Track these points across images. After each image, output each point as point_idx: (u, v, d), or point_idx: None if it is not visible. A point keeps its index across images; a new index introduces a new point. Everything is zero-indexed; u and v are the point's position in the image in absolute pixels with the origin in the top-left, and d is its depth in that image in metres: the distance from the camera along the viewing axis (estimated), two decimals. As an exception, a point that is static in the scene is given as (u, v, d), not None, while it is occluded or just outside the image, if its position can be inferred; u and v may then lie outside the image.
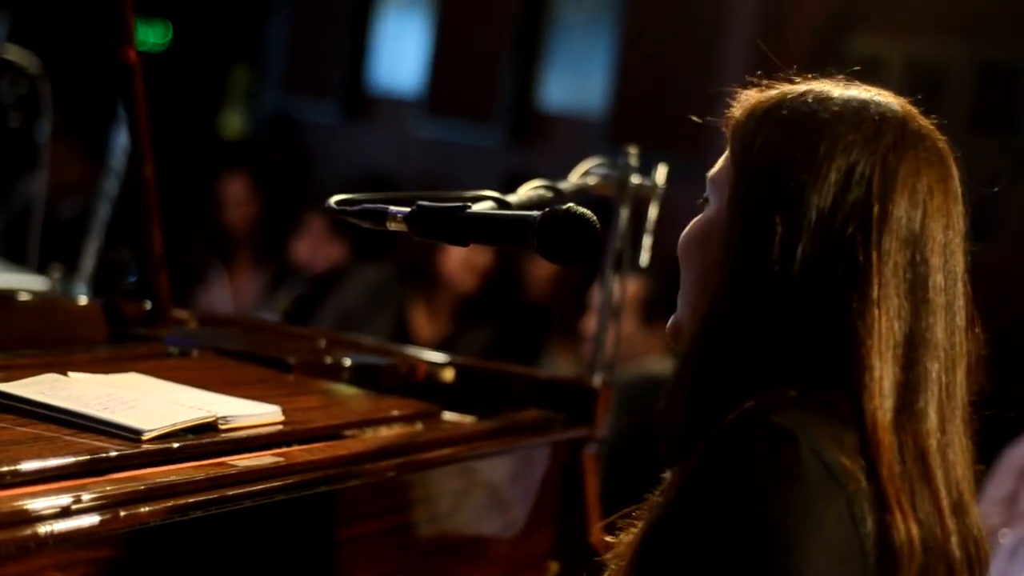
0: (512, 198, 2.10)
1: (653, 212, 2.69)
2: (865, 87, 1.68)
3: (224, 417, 1.92)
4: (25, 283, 3.53)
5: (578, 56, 7.70)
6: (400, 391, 2.48)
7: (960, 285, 1.64)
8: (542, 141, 7.76)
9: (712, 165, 1.72)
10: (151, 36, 9.04)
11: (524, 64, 7.87)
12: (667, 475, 1.64)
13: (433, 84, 8.29)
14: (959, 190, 1.65)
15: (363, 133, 8.69)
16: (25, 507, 1.52)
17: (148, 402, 1.90)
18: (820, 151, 1.59)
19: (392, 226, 1.96)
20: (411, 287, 6.14)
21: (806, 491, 1.46)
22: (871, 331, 1.55)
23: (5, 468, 1.59)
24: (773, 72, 1.72)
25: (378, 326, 5.89)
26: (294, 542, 1.90)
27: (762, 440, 1.48)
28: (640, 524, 1.61)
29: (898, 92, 1.70)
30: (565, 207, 1.82)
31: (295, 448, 1.97)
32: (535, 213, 1.85)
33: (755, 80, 1.71)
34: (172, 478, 1.71)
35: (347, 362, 2.50)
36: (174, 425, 1.84)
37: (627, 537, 1.63)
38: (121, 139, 4.27)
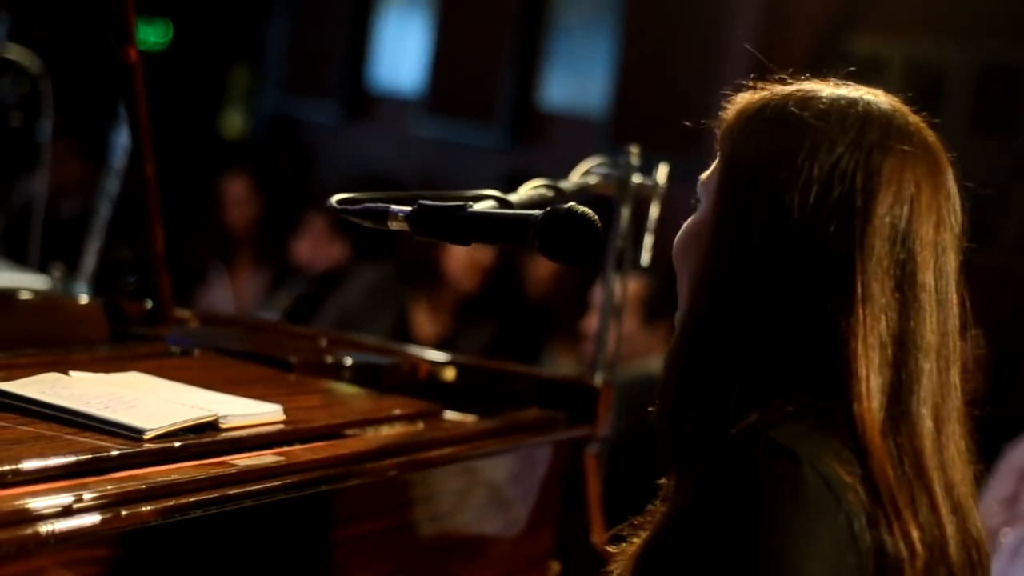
0: (513, 197, 2.10)
1: (654, 211, 2.70)
2: (856, 87, 1.66)
3: (225, 416, 1.92)
4: (26, 282, 3.53)
5: (579, 55, 7.70)
6: (401, 390, 2.48)
7: (952, 284, 1.61)
8: (543, 141, 7.76)
9: (711, 163, 1.72)
10: (151, 35, 9.04)
11: (524, 63, 7.87)
12: (665, 481, 1.63)
13: (434, 84, 8.29)
14: (952, 187, 1.63)
15: (364, 133, 8.68)
16: (26, 506, 1.52)
17: (149, 401, 1.91)
18: (802, 150, 1.58)
19: (393, 225, 1.96)
20: (412, 286, 6.14)
21: (806, 508, 1.45)
22: (856, 331, 1.53)
23: (6, 467, 1.59)
24: (772, 73, 1.72)
25: (378, 326, 5.89)
26: (295, 541, 1.90)
27: (762, 458, 1.47)
28: (641, 536, 1.60)
29: (898, 92, 1.69)
30: (566, 206, 1.82)
31: (296, 447, 1.97)
32: (536, 212, 1.85)
33: (749, 83, 1.71)
34: (173, 477, 1.71)
35: (348, 361, 2.50)
36: (175, 424, 1.84)
37: (629, 548, 1.62)
38: (122, 138, 4.28)
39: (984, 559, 1.62)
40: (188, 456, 1.80)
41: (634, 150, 2.67)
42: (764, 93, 1.67)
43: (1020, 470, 4.26)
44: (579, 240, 1.82)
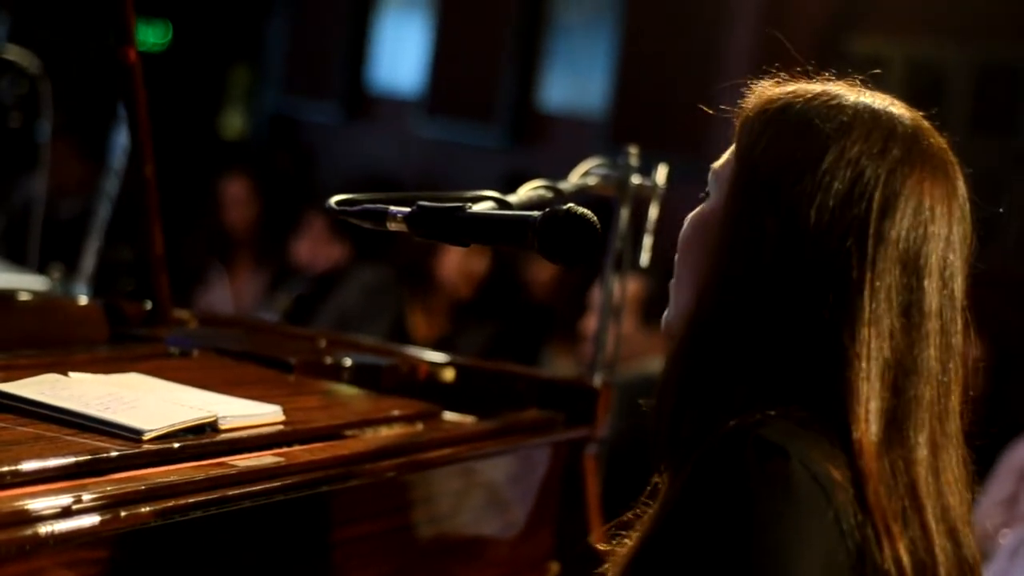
0: (512, 198, 2.10)
1: (653, 212, 2.70)
2: (880, 95, 1.65)
3: (224, 417, 1.92)
4: (25, 283, 3.53)
5: (578, 56, 7.70)
6: (401, 391, 2.48)
7: (959, 310, 1.60)
8: (542, 141, 7.76)
9: (712, 163, 1.71)
10: (151, 36, 9.04)
11: (524, 64, 7.87)
12: (658, 480, 1.63)
13: (433, 84, 8.29)
14: (965, 210, 1.62)
15: (363, 133, 8.69)
16: (26, 507, 1.52)
17: (149, 402, 1.90)
18: (824, 162, 1.56)
19: (392, 226, 1.96)
20: (409, 288, 6.14)
21: (795, 506, 1.45)
22: (860, 351, 1.53)
23: (6, 468, 1.59)
24: (771, 73, 1.71)
25: (376, 327, 5.89)
26: (294, 542, 1.90)
27: (752, 455, 1.46)
28: (634, 536, 1.60)
29: (898, 92, 1.68)
30: (565, 207, 1.82)
31: (295, 448, 1.97)
32: (535, 213, 1.85)
33: (771, 71, 1.70)
34: (172, 478, 1.71)
35: (348, 362, 2.50)
36: (174, 425, 1.84)
37: (622, 549, 1.62)
38: (121, 139, 4.28)
39: None
40: (187, 457, 1.80)
41: (633, 151, 2.67)
42: (788, 89, 1.65)
43: (1019, 471, 4.27)
44: (578, 241, 1.81)
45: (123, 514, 1.60)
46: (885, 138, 1.59)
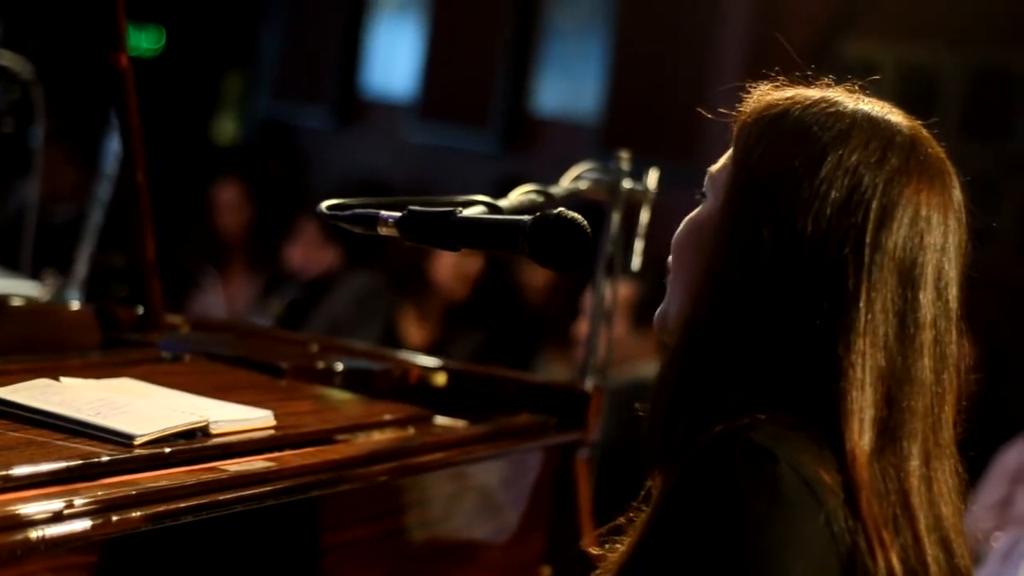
0: (503, 203, 2.10)
1: (645, 216, 2.70)
2: (880, 102, 1.65)
3: (216, 422, 1.92)
4: (18, 288, 3.53)
5: (571, 61, 7.71)
6: (392, 396, 2.48)
7: (953, 320, 1.61)
8: (535, 146, 7.76)
9: (705, 167, 1.71)
10: (144, 41, 9.03)
11: (517, 69, 7.87)
12: (650, 484, 1.63)
13: (426, 89, 8.29)
14: (962, 219, 1.63)
15: (356, 138, 8.69)
16: (17, 512, 1.52)
17: (140, 407, 1.91)
18: (822, 170, 1.56)
19: (383, 231, 1.96)
20: (401, 293, 6.14)
21: (785, 509, 1.45)
22: (854, 361, 1.53)
23: (-3, 473, 1.59)
24: (767, 77, 1.71)
25: (368, 332, 5.88)
26: (285, 547, 1.90)
27: (740, 458, 1.46)
28: (626, 540, 1.60)
29: (891, 96, 1.68)
30: (555, 211, 1.82)
31: (287, 453, 1.97)
32: (526, 217, 1.85)
33: (768, 75, 1.70)
34: (164, 483, 1.71)
35: (339, 367, 2.50)
36: (166, 430, 1.84)
37: (613, 555, 1.62)
38: (114, 145, 4.27)
39: None
40: (178, 462, 1.80)
41: (624, 155, 2.67)
42: (786, 95, 1.65)
43: (1012, 473, 4.27)
44: (568, 245, 1.82)
45: (114, 519, 1.61)
46: (883, 147, 1.59)
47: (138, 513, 1.63)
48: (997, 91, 6.35)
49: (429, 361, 2.75)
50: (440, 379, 2.65)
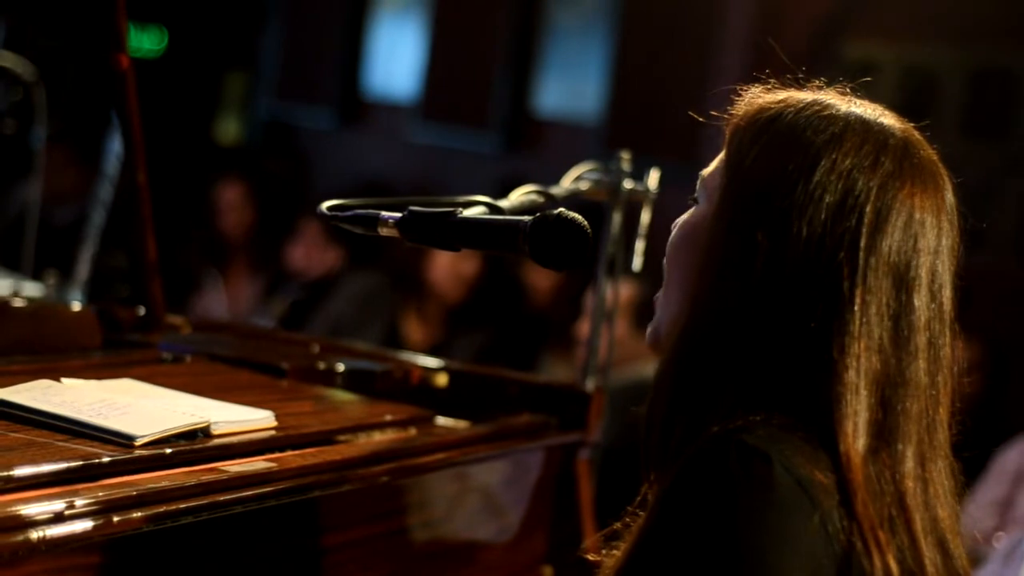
0: (504, 203, 2.10)
1: (646, 217, 2.70)
2: (872, 105, 1.65)
3: (216, 423, 1.92)
4: (20, 289, 3.53)
5: (573, 62, 7.71)
6: (394, 396, 2.48)
7: (947, 321, 1.61)
8: (537, 147, 7.76)
9: (706, 167, 1.71)
10: (146, 42, 9.04)
11: (519, 70, 7.88)
12: (647, 488, 1.63)
13: (428, 90, 8.29)
14: (954, 221, 1.63)
15: (358, 139, 8.69)
16: (18, 512, 1.52)
17: (141, 408, 1.91)
18: (816, 174, 1.57)
19: (384, 231, 1.96)
20: (403, 294, 6.14)
21: (779, 509, 1.45)
22: (849, 364, 1.53)
23: (-2, 474, 1.59)
24: (766, 77, 1.71)
25: (370, 333, 5.89)
26: (287, 547, 1.90)
27: (734, 460, 1.46)
28: (622, 544, 1.60)
29: (891, 96, 1.69)
30: (555, 212, 1.83)
31: (288, 453, 1.97)
32: (526, 218, 1.85)
33: (761, 77, 1.70)
34: (164, 484, 1.71)
35: (340, 367, 2.50)
36: (167, 431, 1.84)
37: (610, 560, 1.62)
38: (116, 146, 4.28)
39: None
40: (179, 463, 1.80)
41: (625, 156, 2.67)
42: (778, 98, 1.65)
43: (1012, 474, 4.27)
44: (568, 245, 1.82)
45: (115, 519, 1.61)
46: (877, 151, 1.59)
47: (139, 514, 1.64)
48: (997, 91, 6.35)
49: (430, 362, 2.75)
50: (441, 380, 2.66)
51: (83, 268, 4.50)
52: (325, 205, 2.02)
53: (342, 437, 2.13)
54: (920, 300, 1.58)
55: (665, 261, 1.71)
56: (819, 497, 1.47)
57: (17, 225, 4.82)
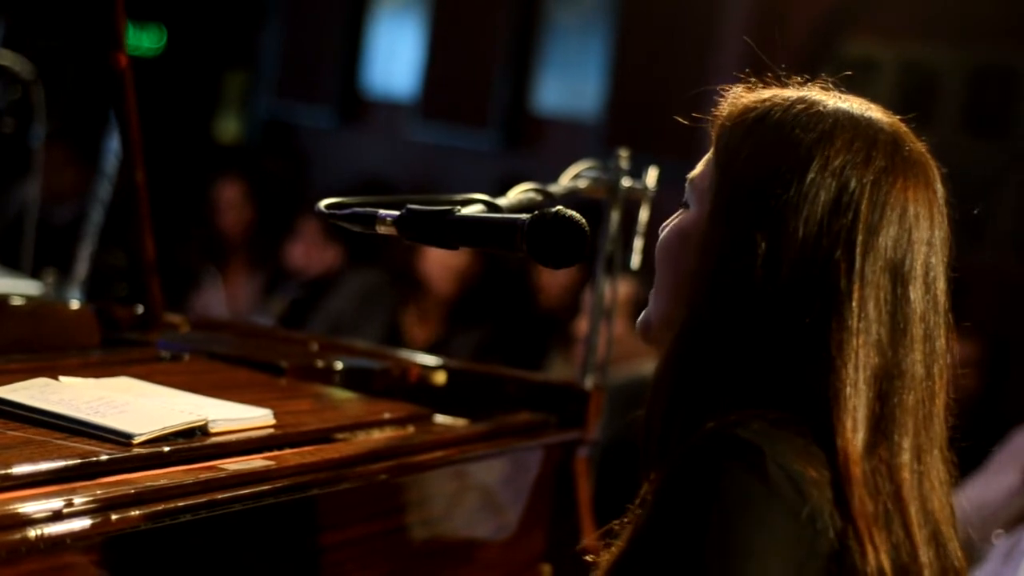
0: (502, 201, 2.10)
1: (644, 215, 2.70)
2: (857, 100, 1.65)
3: (215, 421, 1.92)
4: (19, 287, 3.53)
5: (572, 60, 7.71)
6: (392, 394, 2.48)
7: (942, 313, 1.62)
8: (537, 145, 7.77)
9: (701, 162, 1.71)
10: (145, 41, 9.04)
11: (518, 68, 7.88)
12: (645, 486, 1.63)
13: (428, 88, 8.30)
14: (945, 213, 1.63)
15: (358, 137, 8.69)
16: (16, 511, 1.52)
17: (139, 406, 1.91)
18: (809, 173, 1.57)
19: (382, 230, 1.96)
20: (403, 292, 6.14)
21: (770, 503, 1.45)
22: (847, 359, 1.54)
23: (-4, 472, 1.59)
24: (766, 76, 1.71)
25: (369, 331, 5.89)
26: (285, 546, 1.90)
27: (727, 453, 1.47)
28: (618, 541, 1.60)
29: (891, 94, 1.69)
30: (553, 210, 1.83)
31: (286, 451, 1.97)
32: (524, 216, 1.85)
33: (744, 77, 1.70)
34: (163, 482, 1.71)
35: (339, 365, 2.50)
36: (165, 429, 1.84)
37: (606, 556, 1.62)
38: (114, 144, 4.27)
39: None
40: (177, 460, 1.80)
41: (623, 154, 2.67)
42: (765, 96, 1.65)
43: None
44: (566, 243, 1.82)
45: (113, 518, 1.61)
46: (867, 147, 1.59)
47: (137, 512, 1.63)
48: (997, 89, 6.36)
49: (429, 360, 2.75)
50: (440, 378, 2.66)
51: (82, 267, 4.50)
52: (323, 203, 2.02)
53: (340, 435, 2.13)
54: (915, 293, 1.58)
55: (656, 263, 1.72)
56: (809, 492, 1.47)
57: (16, 224, 4.82)
